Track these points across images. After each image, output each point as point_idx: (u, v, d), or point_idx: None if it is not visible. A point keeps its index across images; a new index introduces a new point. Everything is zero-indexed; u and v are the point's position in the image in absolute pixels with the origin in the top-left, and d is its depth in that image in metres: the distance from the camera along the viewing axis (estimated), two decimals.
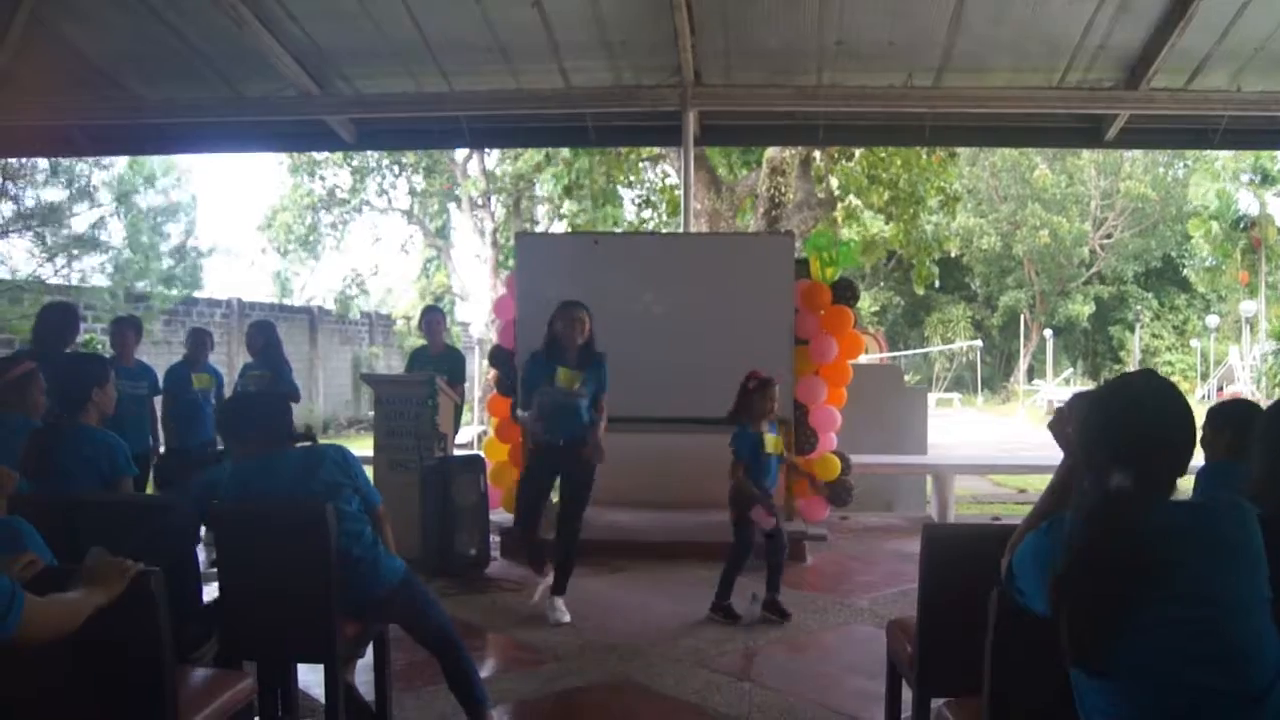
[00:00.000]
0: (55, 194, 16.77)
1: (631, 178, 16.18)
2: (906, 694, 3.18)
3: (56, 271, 16.83)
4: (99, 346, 14.23)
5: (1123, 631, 1.69)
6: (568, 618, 5.15)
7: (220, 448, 6.90)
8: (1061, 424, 2.14)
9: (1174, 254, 36.73)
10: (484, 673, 4.08)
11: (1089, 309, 37.19)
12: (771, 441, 5.29)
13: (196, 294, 19.68)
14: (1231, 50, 7.46)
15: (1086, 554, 1.73)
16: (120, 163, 18.26)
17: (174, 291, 18.84)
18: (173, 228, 20.56)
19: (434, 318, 7.83)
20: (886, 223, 15.40)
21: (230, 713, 2.68)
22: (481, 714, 3.52)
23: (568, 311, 5.21)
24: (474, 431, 14.49)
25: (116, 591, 2.18)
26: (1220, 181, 30.38)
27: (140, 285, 18.36)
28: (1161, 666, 1.68)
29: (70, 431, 3.66)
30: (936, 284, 23.71)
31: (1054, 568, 1.78)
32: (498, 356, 7.80)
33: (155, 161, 19.07)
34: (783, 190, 12.92)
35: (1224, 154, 29.01)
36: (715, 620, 5.19)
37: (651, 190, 16.78)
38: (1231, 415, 3.02)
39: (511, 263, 8.39)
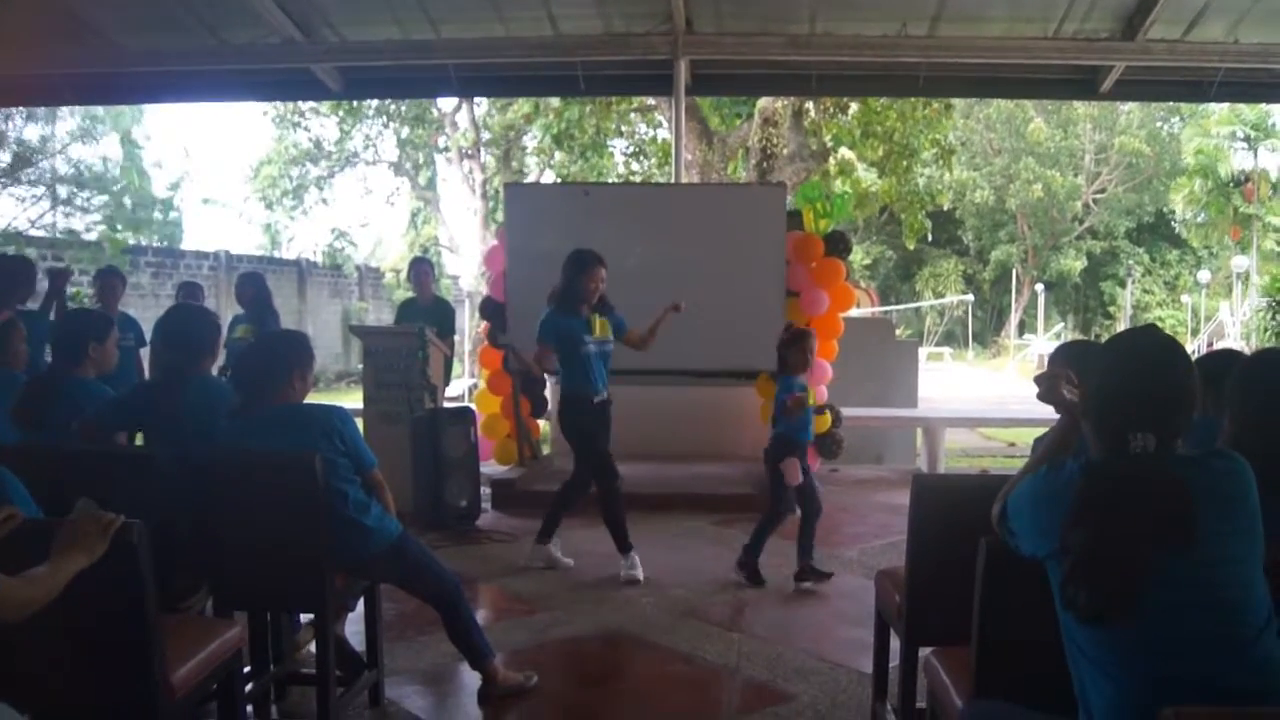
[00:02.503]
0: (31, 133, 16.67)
1: (622, 127, 16.01)
2: (894, 643, 3.21)
3: (33, 223, 16.70)
4: (85, 300, 14.13)
5: (1142, 587, 1.72)
6: (639, 573, 5.10)
7: None
8: (1054, 387, 2.10)
9: (1166, 209, 36.64)
10: None
11: (1080, 264, 37.16)
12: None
13: (184, 246, 19.57)
14: (1229, 1, 7.36)
15: (1105, 509, 1.75)
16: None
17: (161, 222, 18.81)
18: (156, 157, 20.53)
19: (422, 269, 7.78)
20: (879, 176, 15.31)
21: (219, 661, 2.68)
22: (484, 666, 3.54)
23: (596, 270, 5.11)
24: (465, 384, 14.47)
25: (99, 552, 2.16)
26: (1212, 139, 30.16)
27: (130, 238, 18.26)
28: (1162, 617, 1.72)
29: (64, 384, 3.62)
30: (928, 237, 23.63)
31: (1063, 513, 1.80)
32: (489, 308, 7.76)
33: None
34: (774, 142, 12.80)
35: (1217, 111, 28.86)
36: (737, 579, 5.06)
37: (641, 142, 16.62)
38: (1212, 370, 3.00)
39: (501, 214, 8.31)
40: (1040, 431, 2.79)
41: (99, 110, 19.60)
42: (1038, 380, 2.15)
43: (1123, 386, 1.86)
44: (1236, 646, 1.71)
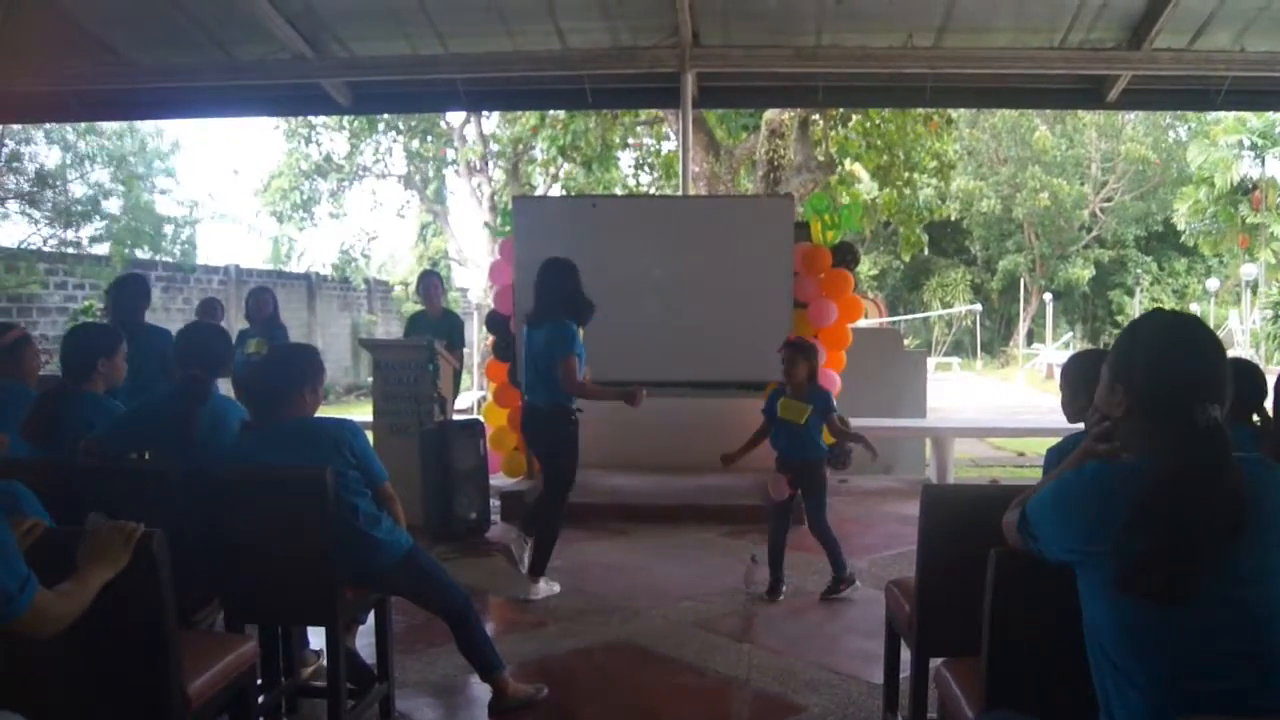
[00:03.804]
0: (53, 157, 16.78)
1: (629, 140, 16.04)
2: (905, 654, 3.21)
3: (46, 241, 16.81)
4: (96, 314, 14.21)
5: (1203, 568, 1.68)
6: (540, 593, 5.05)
7: None
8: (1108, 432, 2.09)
9: (1174, 217, 36.56)
10: None
11: (1089, 273, 37.04)
12: (783, 405, 5.15)
13: (194, 261, 19.69)
14: (1235, 9, 7.36)
15: (1171, 500, 1.71)
16: (110, 127, 18.26)
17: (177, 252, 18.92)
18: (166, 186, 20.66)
19: (431, 282, 7.81)
20: (879, 189, 15.32)
21: (233, 675, 2.70)
22: (494, 678, 3.55)
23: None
24: (474, 397, 14.49)
25: (123, 563, 2.18)
26: (1218, 148, 30.09)
27: (139, 253, 18.36)
28: (1194, 632, 1.69)
29: (75, 398, 3.64)
30: (924, 250, 23.49)
31: (1092, 512, 1.78)
32: (494, 322, 7.79)
33: (146, 125, 19.10)
34: (781, 153, 12.83)
35: (1223, 120, 28.82)
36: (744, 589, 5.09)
37: (647, 153, 16.65)
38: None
39: (508, 228, 8.34)
40: (1052, 441, 2.80)
41: (129, 145, 19.79)
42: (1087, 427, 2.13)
43: (1177, 364, 1.83)
44: (1268, 666, 1.69)
